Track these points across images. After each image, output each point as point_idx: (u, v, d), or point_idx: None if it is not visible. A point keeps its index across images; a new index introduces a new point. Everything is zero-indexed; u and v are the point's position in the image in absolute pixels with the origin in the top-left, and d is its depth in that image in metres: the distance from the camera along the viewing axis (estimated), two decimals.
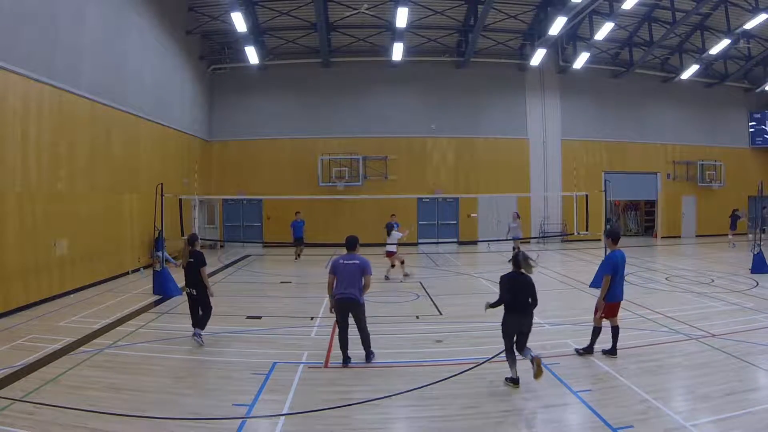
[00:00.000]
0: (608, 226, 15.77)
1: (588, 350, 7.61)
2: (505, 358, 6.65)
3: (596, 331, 7.63)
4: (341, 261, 7.30)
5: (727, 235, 23.52)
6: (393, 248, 15.02)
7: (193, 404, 6.01)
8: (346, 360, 7.24)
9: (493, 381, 6.74)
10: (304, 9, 21.67)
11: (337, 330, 7.47)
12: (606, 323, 7.71)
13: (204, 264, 8.59)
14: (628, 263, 17.18)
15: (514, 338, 6.58)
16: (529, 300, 6.59)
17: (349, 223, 22.93)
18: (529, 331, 6.61)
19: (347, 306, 7.20)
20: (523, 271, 6.65)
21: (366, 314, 7.51)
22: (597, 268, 13.45)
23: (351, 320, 7.40)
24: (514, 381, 6.50)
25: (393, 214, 17.93)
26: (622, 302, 11.28)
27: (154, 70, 18.33)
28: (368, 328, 7.48)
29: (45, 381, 6.63)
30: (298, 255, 19.84)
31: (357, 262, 7.27)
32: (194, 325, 8.54)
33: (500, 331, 6.65)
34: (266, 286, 15.11)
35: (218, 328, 9.44)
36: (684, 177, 27.58)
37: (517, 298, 6.59)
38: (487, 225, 24.64)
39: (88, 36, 13.90)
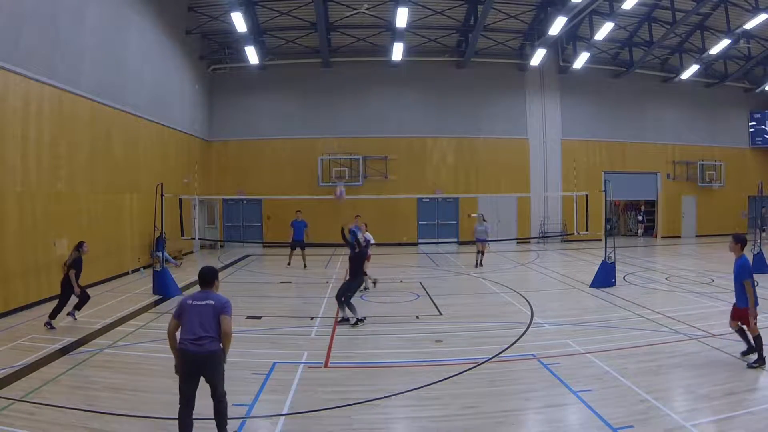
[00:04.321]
0: (608, 227, 15.77)
1: (761, 361, 6.97)
2: (506, 358, 6.70)
3: (758, 339, 7.12)
4: (190, 301, 5.20)
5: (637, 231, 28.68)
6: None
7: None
8: None
9: (493, 381, 6.74)
10: (304, 9, 21.67)
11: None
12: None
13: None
14: (628, 263, 17.45)
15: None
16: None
17: (349, 224, 22.93)
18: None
19: (198, 362, 5.01)
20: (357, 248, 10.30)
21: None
22: (597, 268, 13.46)
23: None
24: (361, 320, 9.64)
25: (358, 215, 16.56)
26: (623, 301, 11.36)
27: (154, 70, 18.33)
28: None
29: (45, 381, 6.63)
30: (304, 264, 17.37)
31: (212, 302, 5.14)
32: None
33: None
34: (266, 286, 15.10)
35: None
36: (684, 177, 27.59)
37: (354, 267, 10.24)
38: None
39: (88, 36, 13.90)
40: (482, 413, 5.78)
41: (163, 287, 12.58)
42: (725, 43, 22.55)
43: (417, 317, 10.38)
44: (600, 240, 19.98)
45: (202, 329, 5.00)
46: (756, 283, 7.36)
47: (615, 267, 13.48)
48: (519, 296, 12.31)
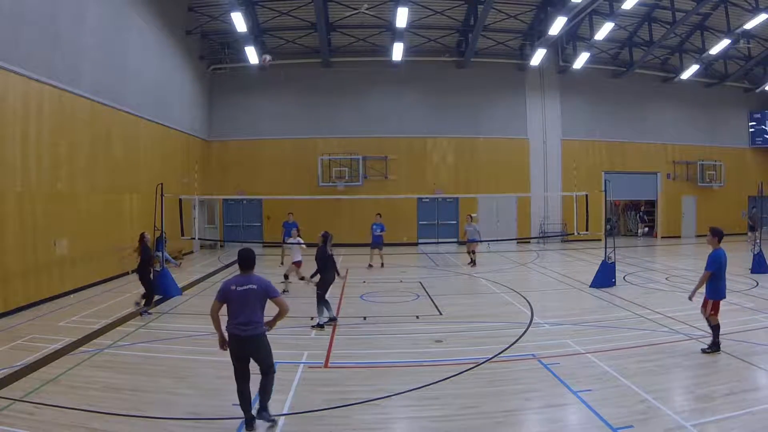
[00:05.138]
0: (608, 227, 15.79)
1: (714, 347, 7.61)
2: (506, 358, 6.88)
3: (716, 329, 7.72)
4: (233, 287, 5.38)
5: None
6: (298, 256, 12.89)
7: (193, 404, 6.01)
8: (251, 423, 5.28)
9: (493, 381, 6.74)
10: (304, 9, 21.67)
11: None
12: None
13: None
14: (628, 263, 17.46)
15: (328, 289, 9.65)
16: (332, 264, 9.81)
17: (349, 223, 22.96)
18: (333, 281, 9.89)
19: (247, 345, 5.31)
20: (326, 248, 9.74)
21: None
22: (597, 268, 13.48)
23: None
24: (322, 325, 9.31)
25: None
26: (623, 301, 11.36)
27: (154, 70, 18.32)
28: (274, 375, 5.53)
29: (45, 381, 6.63)
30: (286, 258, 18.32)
31: (254, 287, 5.36)
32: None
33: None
34: None
35: None
36: (684, 177, 27.59)
37: (326, 264, 9.72)
38: (487, 225, 24.65)
39: (88, 36, 13.90)
40: (482, 413, 5.78)
41: (163, 287, 12.57)
42: (725, 43, 22.55)
43: (417, 317, 10.38)
44: (600, 240, 19.97)
45: (248, 315, 5.30)
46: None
47: (615, 267, 13.48)
48: (519, 296, 12.30)
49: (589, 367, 7.17)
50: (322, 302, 9.55)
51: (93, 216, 13.99)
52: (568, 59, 25.42)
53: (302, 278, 11.82)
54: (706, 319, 7.84)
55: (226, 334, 5.40)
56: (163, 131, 19.07)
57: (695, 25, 23.96)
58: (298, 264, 12.62)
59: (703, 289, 7.87)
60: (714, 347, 7.59)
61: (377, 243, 17.62)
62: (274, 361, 5.49)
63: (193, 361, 7.73)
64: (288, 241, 14.06)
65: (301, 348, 8.23)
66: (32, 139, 11.56)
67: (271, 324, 5.56)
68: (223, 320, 5.47)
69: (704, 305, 7.84)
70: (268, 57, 16.25)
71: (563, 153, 26.11)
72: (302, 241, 13.17)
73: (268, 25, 23.20)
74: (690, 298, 7.96)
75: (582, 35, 24.56)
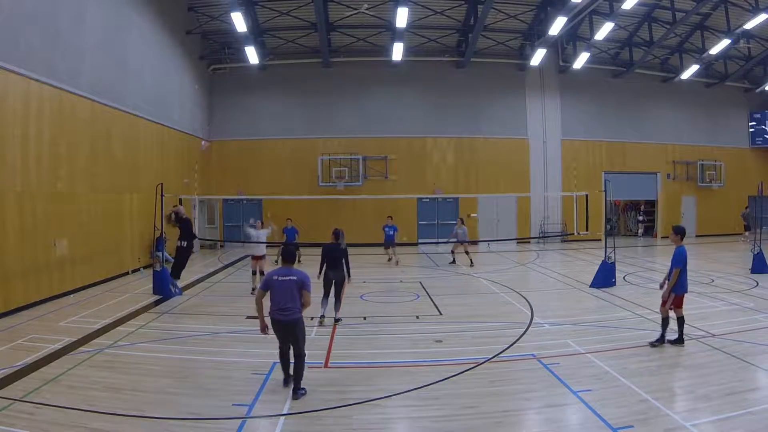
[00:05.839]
0: (608, 227, 15.80)
1: (660, 340, 8.00)
2: (505, 358, 6.99)
3: (665, 322, 8.09)
4: (275, 276, 6.34)
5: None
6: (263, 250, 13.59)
7: (193, 404, 6.00)
8: (288, 380, 6.41)
9: (493, 381, 6.75)
10: (304, 9, 21.68)
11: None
12: (670, 314, 8.20)
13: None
14: (628, 263, 17.47)
15: (331, 287, 9.62)
16: (342, 261, 9.63)
17: (349, 224, 22.89)
18: (341, 281, 9.67)
19: (287, 328, 6.27)
20: (340, 243, 9.69)
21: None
22: (597, 268, 13.49)
23: None
24: (322, 317, 9.51)
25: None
26: (623, 301, 11.37)
27: (154, 70, 18.33)
28: (305, 354, 6.43)
29: (45, 381, 6.63)
30: (298, 260, 18.50)
31: (294, 278, 6.28)
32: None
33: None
34: None
35: (218, 328, 9.45)
36: (684, 177, 27.60)
37: (332, 260, 9.62)
38: (487, 225, 24.66)
39: (88, 36, 13.90)
40: (482, 413, 5.78)
41: (163, 287, 12.57)
42: (725, 43, 22.55)
43: (417, 317, 10.38)
44: (600, 240, 19.98)
45: (287, 301, 6.21)
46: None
47: (615, 267, 13.48)
48: (519, 296, 12.31)
49: (589, 367, 7.17)
50: (325, 298, 9.66)
51: (93, 216, 13.99)
52: (568, 59, 25.43)
53: (262, 273, 12.47)
54: (664, 311, 8.16)
55: (268, 320, 6.30)
56: (163, 131, 19.07)
57: (695, 25, 23.96)
58: (260, 258, 13.42)
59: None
60: (661, 340, 8.00)
61: (389, 242, 18.44)
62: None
63: (193, 361, 7.72)
64: (253, 232, 14.21)
65: None
66: (32, 139, 11.56)
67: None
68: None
69: (665, 301, 8.16)
70: (205, 142, 17.89)
71: (563, 153, 26.12)
72: (271, 229, 14.28)
73: (268, 25, 23.20)
74: (665, 296, 8.22)
75: (582, 35, 24.56)
